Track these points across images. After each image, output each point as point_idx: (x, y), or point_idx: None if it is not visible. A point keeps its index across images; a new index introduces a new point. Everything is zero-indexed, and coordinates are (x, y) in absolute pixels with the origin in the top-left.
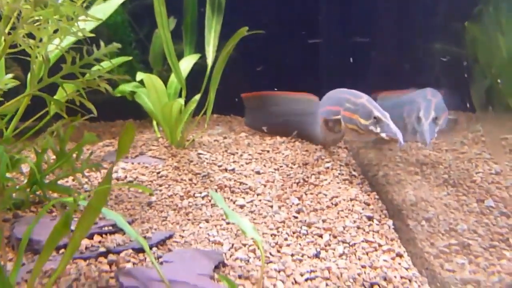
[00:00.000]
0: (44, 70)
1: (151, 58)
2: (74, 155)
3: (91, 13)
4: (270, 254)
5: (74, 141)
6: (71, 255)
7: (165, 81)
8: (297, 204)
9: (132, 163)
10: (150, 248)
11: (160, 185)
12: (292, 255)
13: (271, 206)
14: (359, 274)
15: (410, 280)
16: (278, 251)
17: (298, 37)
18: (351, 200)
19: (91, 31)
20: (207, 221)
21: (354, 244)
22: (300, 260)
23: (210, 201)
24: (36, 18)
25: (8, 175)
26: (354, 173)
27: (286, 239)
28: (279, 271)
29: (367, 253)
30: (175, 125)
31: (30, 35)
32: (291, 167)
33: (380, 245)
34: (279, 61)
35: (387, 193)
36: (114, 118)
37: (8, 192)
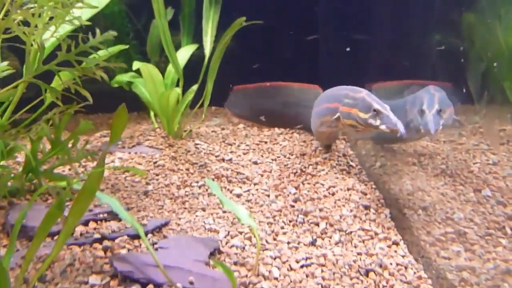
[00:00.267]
0: (40, 57)
1: (148, 49)
2: (70, 144)
3: (86, 1)
4: (266, 241)
5: (71, 132)
6: (65, 239)
7: (163, 72)
8: (294, 194)
9: (129, 153)
10: (146, 235)
11: (157, 175)
12: (288, 242)
13: (268, 195)
14: (354, 261)
15: (406, 267)
16: (274, 239)
17: (296, 28)
18: (348, 189)
19: (88, 21)
20: (203, 209)
21: (351, 232)
22: (296, 248)
23: (207, 190)
24: (31, 5)
25: (3, 163)
26: (351, 163)
27: (282, 227)
28: (274, 258)
29: (363, 241)
30: (172, 116)
31: (26, 24)
32: (289, 158)
33: (376, 233)
34: (277, 53)
35: (384, 183)
36: (111, 110)
37: (3, 180)
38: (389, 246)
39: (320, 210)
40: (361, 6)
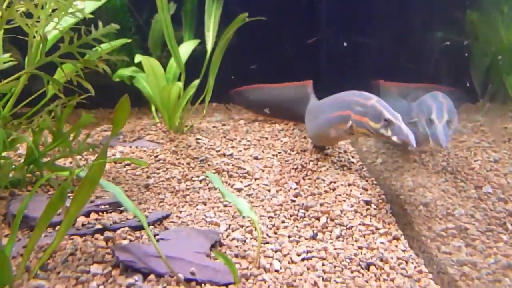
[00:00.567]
0: (42, 49)
1: (150, 43)
2: (71, 137)
3: None
4: (267, 235)
5: (72, 125)
6: (67, 229)
7: (164, 67)
8: (295, 189)
9: (130, 147)
10: None
11: (158, 169)
12: (289, 236)
13: (269, 190)
14: (355, 255)
15: (406, 262)
16: (275, 233)
17: (298, 26)
18: (349, 185)
19: (90, 14)
20: (204, 203)
21: (351, 227)
22: (297, 241)
23: (207, 184)
24: None
25: (4, 154)
26: (352, 159)
27: (283, 222)
28: (275, 251)
29: (364, 236)
30: (173, 110)
31: (29, 16)
32: (290, 153)
33: (377, 228)
34: (278, 50)
35: (385, 179)
36: (113, 105)
37: (4, 171)
38: (389, 241)
39: (321, 205)
40: (365, 3)
